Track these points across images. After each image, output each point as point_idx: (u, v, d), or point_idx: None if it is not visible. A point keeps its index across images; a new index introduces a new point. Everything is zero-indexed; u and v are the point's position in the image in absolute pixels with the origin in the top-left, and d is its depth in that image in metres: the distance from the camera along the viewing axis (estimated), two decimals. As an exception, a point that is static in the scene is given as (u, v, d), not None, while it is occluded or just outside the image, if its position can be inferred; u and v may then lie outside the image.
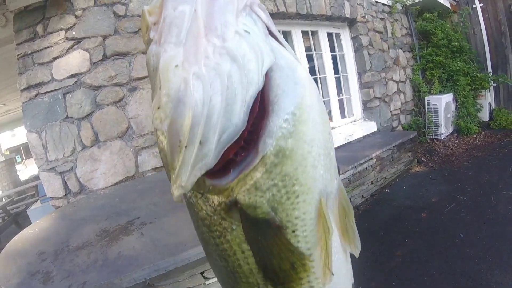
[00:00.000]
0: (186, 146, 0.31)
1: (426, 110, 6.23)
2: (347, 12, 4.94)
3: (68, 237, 1.85)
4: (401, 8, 6.39)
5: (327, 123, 0.38)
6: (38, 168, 2.93)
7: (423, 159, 5.38)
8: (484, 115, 6.94)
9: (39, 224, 2.25)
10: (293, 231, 0.35)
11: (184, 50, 0.32)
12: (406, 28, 6.63)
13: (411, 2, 6.38)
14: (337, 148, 4.53)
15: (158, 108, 0.33)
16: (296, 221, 0.35)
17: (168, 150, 0.33)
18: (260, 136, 0.33)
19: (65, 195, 2.91)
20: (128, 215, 2.03)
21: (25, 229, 2.19)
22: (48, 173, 2.89)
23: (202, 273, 1.64)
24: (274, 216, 0.34)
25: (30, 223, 3.90)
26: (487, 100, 6.99)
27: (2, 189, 8.87)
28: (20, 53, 2.87)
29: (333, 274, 0.38)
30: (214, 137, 0.31)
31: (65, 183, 2.89)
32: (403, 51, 6.38)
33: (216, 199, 0.34)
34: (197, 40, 0.33)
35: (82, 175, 2.90)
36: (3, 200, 7.29)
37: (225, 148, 0.32)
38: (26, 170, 15.85)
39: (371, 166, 4.20)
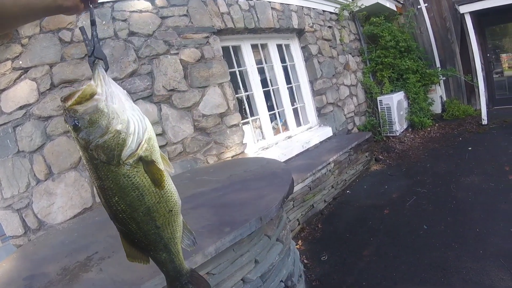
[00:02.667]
0: (133, 135, 0.78)
1: (379, 110, 6.50)
2: (295, 23, 5.10)
3: (30, 279, 1.79)
4: (348, 14, 6.68)
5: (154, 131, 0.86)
6: None
7: (380, 157, 5.60)
8: (437, 108, 7.38)
9: (1, 266, 2.15)
10: (156, 162, 0.82)
11: (117, 105, 0.77)
12: (354, 34, 6.93)
13: (357, 9, 6.68)
14: (295, 157, 4.65)
15: (121, 123, 0.76)
16: (157, 158, 0.82)
17: (125, 137, 0.77)
18: (144, 133, 0.80)
19: (25, 232, 2.79)
20: (87, 250, 1.98)
21: None
22: (4, 211, 2.77)
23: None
24: (152, 157, 0.80)
25: (-8, 263, 3.75)
26: (438, 93, 7.45)
27: None
28: None
29: (172, 168, 0.90)
30: (141, 131, 0.80)
31: (23, 220, 2.75)
32: (353, 56, 6.65)
33: (131, 160, 0.77)
34: (121, 103, 0.78)
35: (40, 211, 2.78)
36: None
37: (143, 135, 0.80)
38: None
39: (329, 170, 4.31)
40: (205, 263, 1.61)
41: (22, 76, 2.78)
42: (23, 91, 2.79)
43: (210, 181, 2.64)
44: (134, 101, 3.04)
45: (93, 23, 0.89)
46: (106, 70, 0.84)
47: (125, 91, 0.85)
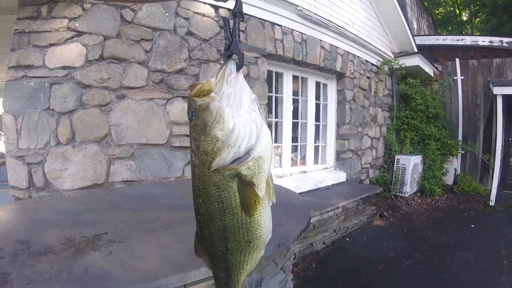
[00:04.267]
0: (232, 147, 0.70)
1: (395, 168, 6.51)
2: (338, 66, 5.23)
3: (28, 237, 1.74)
4: (387, 70, 6.81)
5: (272, 150, 0.81)
6: (7, 152, 2.76)
7: (385, 213, 5.57)
8: (449, 179, 7.37)
9: None
10: (257, 186, 0.74)
11: (231, 110, 0.71)
12: (389, 89, 7.03)
13: (397, 66, 6.79)
14: (306, 192, 4.64)
15: (222, 130, 0.70)
16: (259, 183, 0.74)
17: (221, 147, 0.70)
18: (251, 150, 0.72)
19: (28, 187, 2.74)
20: (95, 227, 1.93)
21: None
22: (15, 160, 2.73)
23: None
24: (251, 180, 0.72)
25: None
26: (454, 165, 7.47)
27: None
28: (18, 29, 2.73)
29: (274, 202, 0.80)
30: (243, 146, 0.70)
31: (30, 175, 2.71)
32: (382, 110, 6.75)
33: (226, 173, 0.72)
34: (237, 108, 0.72)
35: (50, 172, 2.76)
36: None
37: (246, 151, 0.72)
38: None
39: (336, 214, 4.32)
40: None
41: (75, 38, 2.79)
42: (71, 52, 2.79)
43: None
44: (173, 97, 3.11)
45: (235, 14, 0.81)
46: (239, 68, 0.77)
47: (254, 95, 0.77)
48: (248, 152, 0.72)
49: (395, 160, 6.53)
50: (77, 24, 2.80)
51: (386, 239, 4.53)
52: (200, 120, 0.72)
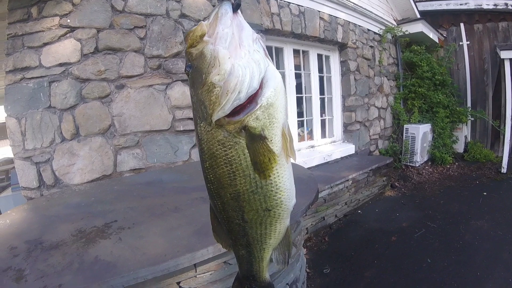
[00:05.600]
0: (231, 93, 0.62)
1: (404, 138, 6.44)
2: (339, 37, 5.10)
3: (41, 234, 1.77)
4: (390, 38, 6.65)
5: (286, 95, 0.71)
6: (14, 155, 2.80)
7: (396, 184, 5.53)
8: (459, 147, 7.25)
9: (10, 215, 2.15)
10: (271, 140, 0.65)
11: (229, 51, 0.63)
12: (393, 58, 6.87)
13: (401, 34, 6.61)
14: (315, 167, 4.64)
15: (219, 74, 0.62)
16: (273, 135, 0.65)
17: (220, 94, 0.63)
18: (258, 97, 0.64)
19: (39, 186, 2.80)
20: (104, 217, 1.96)
21: None
22: (23, 161, 2.78)
23: (178, 283, 1.63)
24: (262, 133, 0.64)
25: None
26: (464, 133, 7.33)
27: None
28: (11, 33, 2.75)
29: (291, 157, 0.70)
30: (244, 90, 0.62)
31: (39, 174, 2.77)
32: (388, 79, 6.60)
33: (231, 127, 0.64)
34: (235, 48, 0.63)
35: (58, 168, 2.80)
36: None
37: (248, 96, 0.64)
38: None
39: (346, 187, 4.30)
40: (225, 252, 1.58)
41: (68, 35, 2.79)
42: (66, 49, 2.79)
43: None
44: (173, 81, 3.09)
45: None
46: (236, 8, 0.66)
47: (256, 35, 0.69)
48: (254, 100, 0.64)
49: (404, 129, 6.44)
50: (68, 20, 2.79)
51: (399, 210, 4.50)
52: (196, 71, 0.65)
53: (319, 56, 5.15)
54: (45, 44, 2.76)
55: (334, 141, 5.49)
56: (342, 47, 5.39)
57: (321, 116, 5.29)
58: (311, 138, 5.15)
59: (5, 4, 2.79)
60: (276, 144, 0.65)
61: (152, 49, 3.10)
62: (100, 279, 1.26)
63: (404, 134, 6.44)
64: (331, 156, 4.96)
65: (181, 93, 3.24)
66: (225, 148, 0.66)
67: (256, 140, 0.64)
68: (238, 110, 0.64)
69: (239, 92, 0.62)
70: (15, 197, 3.76)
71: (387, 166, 5.18)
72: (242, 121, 0.63)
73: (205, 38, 0.64)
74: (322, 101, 5.31)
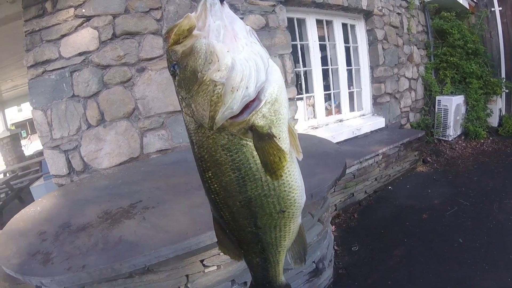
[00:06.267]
0: (237, 90, 0.56)
1: (436, 110, 6.13)
2: (364, 4, 4.81)
3: (69, 218, 1.83)
4: (418, 4, 6.24)
5: (286, 91, 0.65)
6: (43, 145, 2.93)
7: (428, 159, 5.32)
8: (494, 121, 6.82)
9: (41, 202, 2.23)
10: (279, 138, 0.60)
11: (223, 44, 0.57)
12: (422, 25, 6.47)
13: (429, -1, 6.20)
14: (343, 142, 4.50)
15: (219, 70, 0.55)
16: (280, 133, 0.60)
17: (223, 92, 0.56)
18: (261, 93, 0.59)
19: (69, 173, 2.92)
20: (130, 197, 2.01)
21: (27, 206, 2.17)
22: (52, 151, 2.89)
23: (202, 261, 1.64)
24: (270, 131, 0.59)
25: (33, 198, 3.98)
26: (498, 105, 6.85)
27: (6, 163, 9.03)
28: (28, 30, 2.83)
29: (301, 152, 0.66)
30: (252, 84, 0.57)
31: (69, 162, 2.89)
32: (418, 48, 6.24)
33: (236, 129, 0.58)
34: (231, 41, 0.58)
35: (86, 154, 2.89)
36: (7, 175, 7.42)
37: (257, 91, 0.58)
38: (31, 145, 15.94)
39: (376, 162, 4.17)
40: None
41: (84, 24, 2.86)
42: (84, 38, 2.84)
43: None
44: None
45: None
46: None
47: (248, 27, 0.63)
48: (257, 97, 0.59)
49: (436, 101, 6.11)
50: (83, 10, 2.82)
51: (430, 186, 4.33)
52: (187, 70, 0.57)
53: (344, 26, 4.88)
54: (63, 36, 2.83)
55: (363, 115, 5.27)
56: (367, 15, 5.08)
57: (349, 88, 5.07)
58: (339, 112, 4.97)
59: (19, 4, 2.89)
60: (284, 141, 0.61)
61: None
62: (123, 259, 1.28)
63: (436, 106, 6.12)
64: (360, 130, 4.78)
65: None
66: (231, 153, 0.60)
67: (265, 140, 0.59)
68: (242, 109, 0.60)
69: (247, 87, 0.56)
70: (47, 185, 3.92)
71: (419, 140, 4.97)
72: (248, 121, 0.58)
73: (195, 32, 0.57)
74: (349, 73, 5.07)
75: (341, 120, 4.90)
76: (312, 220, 2.13)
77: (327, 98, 4.81)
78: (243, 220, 0.68)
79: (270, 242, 0.73)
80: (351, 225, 3.50)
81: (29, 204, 2.23)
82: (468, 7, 6.84)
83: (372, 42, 5.14)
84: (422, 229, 3.25)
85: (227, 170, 0.61)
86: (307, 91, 4.46)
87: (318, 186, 1.77)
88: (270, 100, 0.59)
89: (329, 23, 4.71)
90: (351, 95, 5.12)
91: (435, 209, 3.65)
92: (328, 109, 4.83)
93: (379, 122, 5.18)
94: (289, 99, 3.76)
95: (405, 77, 5.83)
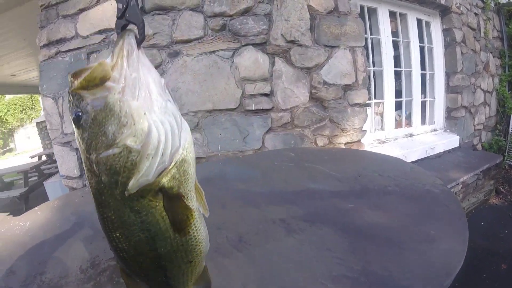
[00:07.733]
0: (152, 157, 0.52)
1: (510, 130, 5.35)
2: (442, -3, 4.05)
3: (48, 256, 1.23)
4: (493, 6, 5.43)
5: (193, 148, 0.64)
6: (52, 140, 2.65)
7: (501, 189, 4.55)
8: None
9: (34, 215, 1.69)
10: (187, 197, 0.60)
11: (139, 103, 0.51)
12: (498, 31, 5.65)
13: (505, 1, 5.41)
14: (415, 162, 3.72)
15: (134, 136, 0.50)
16: (188, 192, 0.60)
17: (138, 160, 0.51)
18: (173, 152, 0.56)
19: (80, 175, 2.63)
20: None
21: (17, 218, 1.66)
22: (62, 147, 2.61)
23: None
24: (179, 191, 0.58)
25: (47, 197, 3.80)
26: None
27: (44, 147, 9.42)
28: (44, 4, 2.58)
29: (208, 209, 0.66)
30: (168, 151, 0.54)
31: (81, 162, 2.40)
32: (493, 56, 5.41)
33: (145, 191, 0.54)
34: (147, 100, 0.53)
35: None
36: (43, 158, 7.86)
37: (172, 158, 0.56)
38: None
39: (455, 193, 3.44)
40: None
41: None
42: (106, 13, 2.47)
43: (327, 175, 1.82)
44: (242, 46, 2.29)
45: None
46: (140, 42, 0.54)
47: (163, 79, 0.57)
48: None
49: (511, 120, 5.32)
50: (108, -22, 2.46)
51: (507, 225, 3.63)
52: (94, 125, 0.50)
53: (419, 22, 4.14)
54: (81, 10, 2.53)
55: (434, 130, 4.45)
56: (444, 11, 4.30)
57: (422, 97, 4.30)
58: (409, 125, 4.19)
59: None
60: (192, 199, 0.61)
61: (214, 5, 2.52)
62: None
63: (510, 126, 5.33)
64: (434, 149, 3.99)
65: (252, 60, 2.60)
66: (140, 215, 0.56)
67: (174, 201, 0.58)
68: None
69: (162, 154, 0.53)
70: (62, 182, 3.68)
71: (497, 166, 4.21)
72: (158, 183, 0.54)
73: (109, 83, 0.49)
74: (423, 78, 4.29)
75: (411, 135, 4.13)
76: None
77: (397, 106, 4.07)
78: (153, 273, 0.66)
79: (178, 286, 0.71)
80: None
81: (21, 215, 1.74)
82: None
83: (450, 44, 4.32)
84: (502, 284, 2.67)
85: (136, 231, 0.58)
86: (375, 97, 3.79)
87: (444, 268, 0.90)
88: (180, 161, 0.56)
89: (402, 16, 3.99)
90: (423, 104, 4.33)
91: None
92: (397, 120, 4.08)
93: (453, 140, 4.35)
94: (358, 104, 3.06)
95: (481, 89, 4.97)
